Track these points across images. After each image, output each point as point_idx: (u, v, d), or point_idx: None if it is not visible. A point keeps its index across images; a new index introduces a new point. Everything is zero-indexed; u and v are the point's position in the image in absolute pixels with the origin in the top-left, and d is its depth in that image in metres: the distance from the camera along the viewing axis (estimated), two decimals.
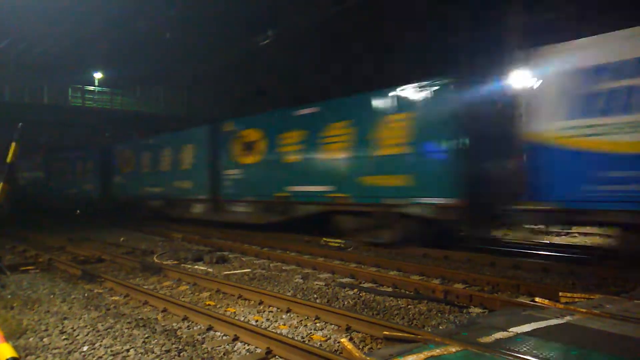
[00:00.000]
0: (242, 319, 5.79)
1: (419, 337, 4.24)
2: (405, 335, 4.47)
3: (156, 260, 10.19)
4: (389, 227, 10.70)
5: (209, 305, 6.57)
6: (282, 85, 27.40)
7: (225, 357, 4.63)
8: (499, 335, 4.02)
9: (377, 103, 11.02)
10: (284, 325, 5.59)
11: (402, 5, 20.04)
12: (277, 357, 4.56)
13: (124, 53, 23.98)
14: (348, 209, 11.56)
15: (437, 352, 3.66)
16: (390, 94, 10.74)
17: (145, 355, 4.62)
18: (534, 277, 7.93)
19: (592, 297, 5.57)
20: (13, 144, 8.66)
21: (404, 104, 10.45)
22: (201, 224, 16.40)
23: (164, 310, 6.22)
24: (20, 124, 8.84)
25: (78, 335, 5.26)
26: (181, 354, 4.66)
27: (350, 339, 4.97)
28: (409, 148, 10.23)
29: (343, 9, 17.66)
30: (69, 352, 4.77)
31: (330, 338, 5.09)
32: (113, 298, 7.06)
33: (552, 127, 7.85)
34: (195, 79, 28.10)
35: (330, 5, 17.59)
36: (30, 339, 5.17)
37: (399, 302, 6.53)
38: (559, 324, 4.35)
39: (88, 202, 23.89)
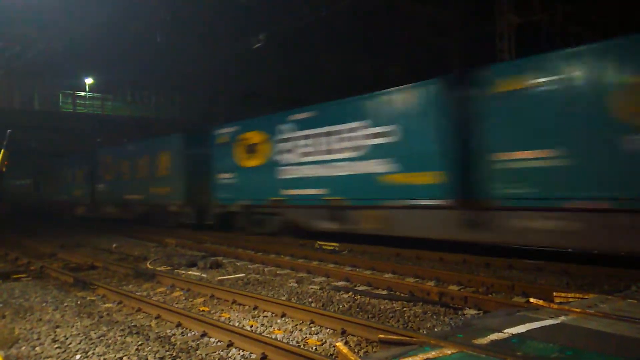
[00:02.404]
0: (237, 324, 5.76)
1: (415, 339, 4.23)
2: (401, 338, 4.45)
3: (149, 267, 10.12)
4: (166, 217, 18.19)
5: (203, 311, 6.52)
6: (275, 87, 27.39)
7: None
8: (494, 336, 4.02)
9: (156, 145, 19.07)
10: (279, 330, 5.56)
11: None
12: None
13: (115, 57, 23.86)
14: (149, 208, 19.21)
15: (432, 354, 3.65)
16: (159, 141, 19.14)
17: None
18: (528, 277, 7.95)
19: (586, 296, 5.59)
20: (2, 151, 8.58)
21: (165, 147, 18.31)
22: (191, 229, 16.76)
23: (158, 317, 6.17)
24: (9, 130, 8.76)
25: (71, 343, 5.21)
26: None
27: (346, 343, 4.95)
28: (168, 172, 18.02)
29: (335, 10, 17.67)
30: None
31: (325, 342, 5.07)
32: (106, 305, 7.00)
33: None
34: (186, 82, 28.01)
35: (321, 7, 17.59)
36: (23, 348, 5.11)
37: (394, 304, 6.52)
38: (554, 324, 4.36)
39: (25, 205, 32.55)
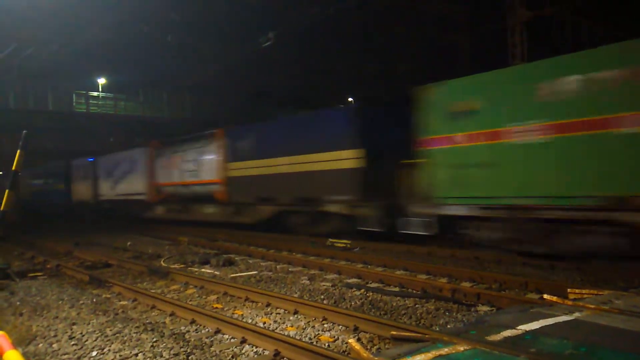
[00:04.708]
0: (250, 321, 5.80)
1: (427, 336, 4.24)
2: (413, 334, 4.46)
3: (163, 264, 10.22)
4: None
5: (217, 308, 6.58)
6: (286, 87, 27.42)
7: (234, 359, 4.64)
8: (508, 333, 4.01)
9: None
10: (292, 326, 5.60)
11: None
12: (285, 358, 4.56)
13: (127, 58, 24.05)
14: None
15: (445, 351, 3.65)
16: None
17: (154, 359, 4.64)
18: (542, 273, 7.90)
19: (600, 293, 5.55)
20: (18, 152, 8.70)
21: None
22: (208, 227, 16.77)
23: (172, 314, 6.24)
24: (24, 131, 8.87)
25: (87, 340, 5.29)
26: (190, 358, 4.67)
27: (358, 340, 4.96)
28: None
29: (344, 8, 17.65)
30: (78, 358, 4.79)
31: (338, 339, 5.09)
32: (121, 303, 7.09)
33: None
34: (198, 81, 28.16)
35: (331, 4, 17.58)
36: (40, 345, 5.19)
37: (407, 301, 6.52)
38: (568, 320, 4.33)
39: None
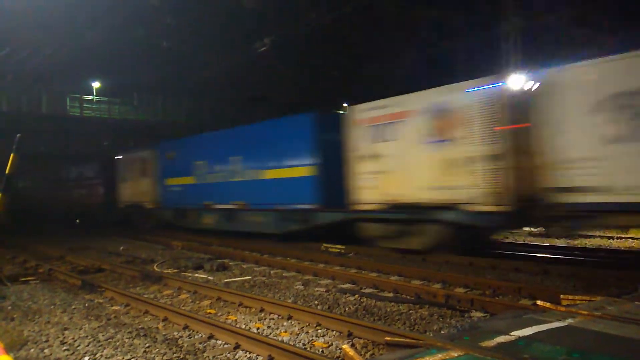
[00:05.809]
0: (243, 326, 5.78)
1: (421, 342, 4.23)
2: (407, 340, 4.45)
3: (156, 269, 10.17)
4: None
5: (210, 313, 6.55)
6: (282, 91, 27.46)
7: None
8: (501, 339, 4.01)
9: None
10: (285, 332, 5.58)
11: None
12: None
13: (122, 62, 24.00)
14: None
15: (439, 357, 3.65)
16: None
17: None
18: (535, 279, 7.92)
19: (593, 299, 5.56)
20: (12, 155, 8.66)
21: None
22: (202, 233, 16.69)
23: (165, 319, 6.20)
24: (18, 135, 8.84)
25: (79, 345, 5.25)
26: None
27: (352, 345, 4.96)
28: None
29: (340, 14, 17.72)
30: None
31: (332, 344, 5.08)
32: (113, 308, 7.05)
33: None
34: (192, 86, 28.13)
35: (326, 11, 17.65)
36: (32, 350, 5.15)
37: (400, 307, 6.52)
38: (561, 326, 4.34)
39: None
